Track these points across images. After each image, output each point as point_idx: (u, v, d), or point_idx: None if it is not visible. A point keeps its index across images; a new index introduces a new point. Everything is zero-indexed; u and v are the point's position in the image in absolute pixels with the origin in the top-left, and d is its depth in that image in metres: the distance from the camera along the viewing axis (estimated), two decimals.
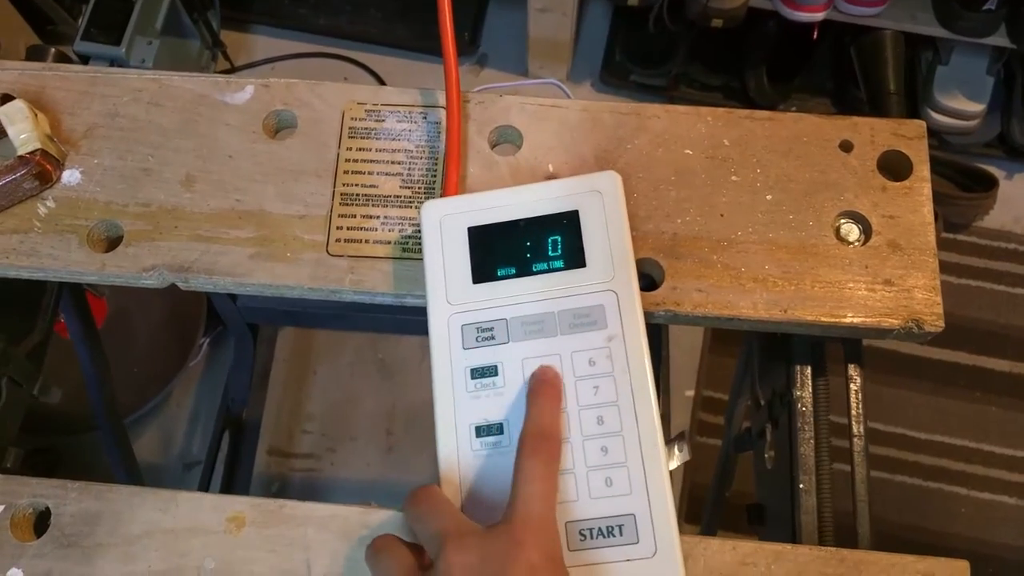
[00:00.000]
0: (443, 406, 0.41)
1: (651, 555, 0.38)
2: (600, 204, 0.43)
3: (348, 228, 0.47)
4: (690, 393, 1.18)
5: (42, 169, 0.47)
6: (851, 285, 0.45)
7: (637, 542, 0.38)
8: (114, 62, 1.09)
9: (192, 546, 0.42)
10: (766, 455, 0.58)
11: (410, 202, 0.48)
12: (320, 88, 0.51)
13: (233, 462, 1.05)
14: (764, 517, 0.60)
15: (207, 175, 0.49)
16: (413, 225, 0.47)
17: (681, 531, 0.39)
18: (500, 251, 0.43)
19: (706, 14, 1.14)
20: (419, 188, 0.49)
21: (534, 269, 0.42)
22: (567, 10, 1.22)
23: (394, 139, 0.50)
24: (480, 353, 0.41)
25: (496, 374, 0.41)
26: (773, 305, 0.45)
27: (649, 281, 0.46)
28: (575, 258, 0.42)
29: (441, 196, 0.47)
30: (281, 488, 1.16)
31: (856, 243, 0.47)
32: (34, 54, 0.64)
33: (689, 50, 1.31)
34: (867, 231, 0.47)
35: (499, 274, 0.42)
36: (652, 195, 0.48)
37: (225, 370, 1.13)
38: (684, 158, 0.48)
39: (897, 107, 1.20)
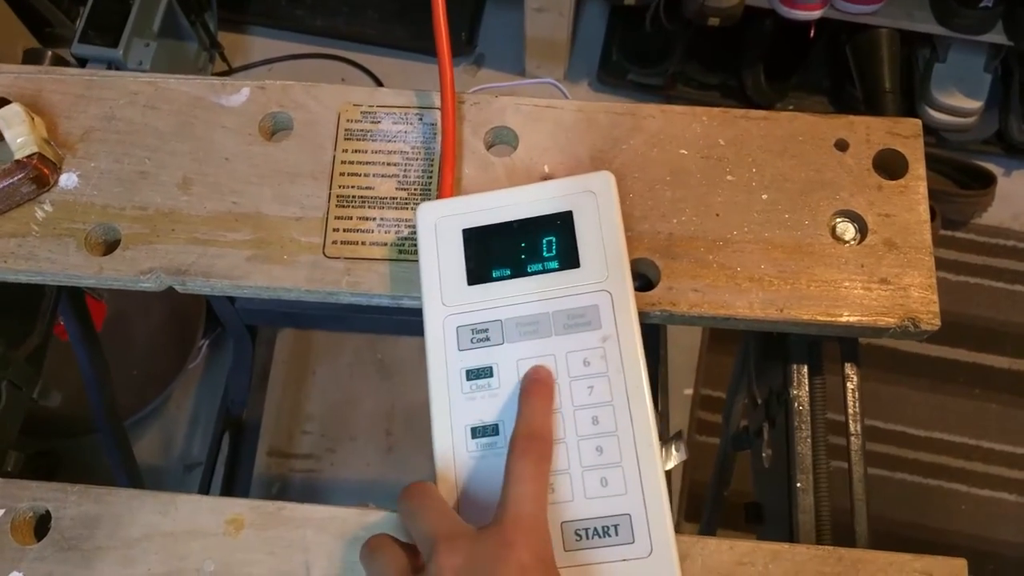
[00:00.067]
0: (439, 407, 0.41)
1: (647, 555, 0.38)
2: (594, 204, 0.43)
3: (344, 230, 0.47)
4: (689, 391, 1.19)
5: (39, 173, 0.47)
6: (847, 284, 0.45)
7: (633, 542, 0.38)
8: (111, 64, 1.09)
9: (191, 549, 0.43)
10: (763, 454, 0.58)
11: (406, 204, 0.48)
12: (316, 90, 0.51)
13: (233, 463, 1.05)
14: (762, 516, 0.61)
15: (203, 178, 0.49)
16: (409, 227, 0.47)
17: (681, 529, 0.39)
18: (495, 252, 0.43)
19: (703, 13, 1.14)
20: (415, 189, 0.49)
21: (528, 270, 0.42)
22: (563, 10, 1.22)
23: (390, 141, 0.50)
24: (475, 354, 0.41)
25: (491, 375, 0.41)
26: (769, 304, 0.45)
27: (645, 281, 0.46)
28: (569, 259, 0.42)
29: (437, 198, 0.47)
30: (281, 489, 1.16)
31: (852, 242, 0.47)
32: (31, 57, 0.64)
33: (686, 49, 1.31)
34: (863, 230, 0.47)
35: (494, 275, 0.43)
36: (648, 195, 0.48)
37: (225, 372, 1.13)
38: (679, 158, 0.48)
39: (893, 105, 1.20)
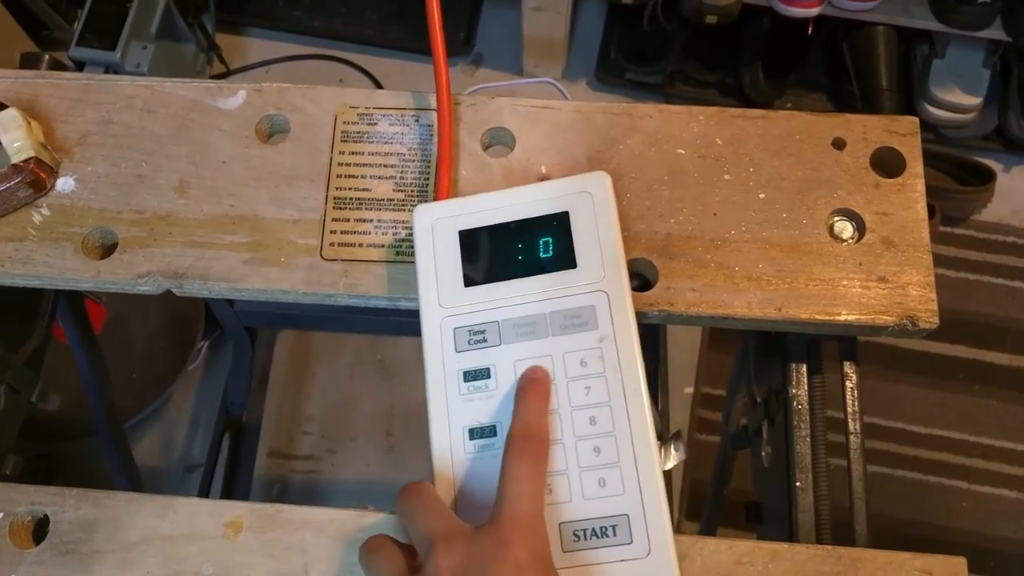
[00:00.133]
0: (436, 409, 0.41)
1: (645, 555, 0.38)
2: (590, 205, 0.43)
3: (342, 232, 0.47)
4: (689, 390, 1.18)
5: (36, 177, 0.47)
6: (845, 283, 0.45)
7: (631, 542, 0.38)
8: (109, 67, 1.09)
9: (190, 552, 0.43)
10: (763, 453, 0.58)
11: (403, 205, 0.48)
12: (312, 92, 0.51)
13: (234, 465, 1.05)
14: (762, 515, 0.60)
15: (200, 181, 0.49)
16: (407, 228, 0.47)
17: (682, 528, 0.39)
18: (491, 254, 0.43)
19: (700, 11, 1.14)
20: (412, 191, 0.49)
21: (525, 271, 0.42)
22: (561, 8, 1.22)
23: (387, 142, 0.50)
24: (472, 356, 0.41)
25: (489, 376, 0.41)
26: (767, 304, 0.45)
27: (643, 281, 0.46)
28: (566, 259, 0.42)
29: (433, 199, 0.47)
30: (282, 490, 1.16)
31: (850, 240, 0.47)
32: (28, 61, 0.64)
33: (684, 47, 1.31)
34: (861, 228, 0.47)
35: (490, 277, 0.43)
36: (645, 195, 0.48)
37: (224, 373, 1.13)
38: (677, 158, 0.48)
39: (890, 103, 1.19)
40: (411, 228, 0.45)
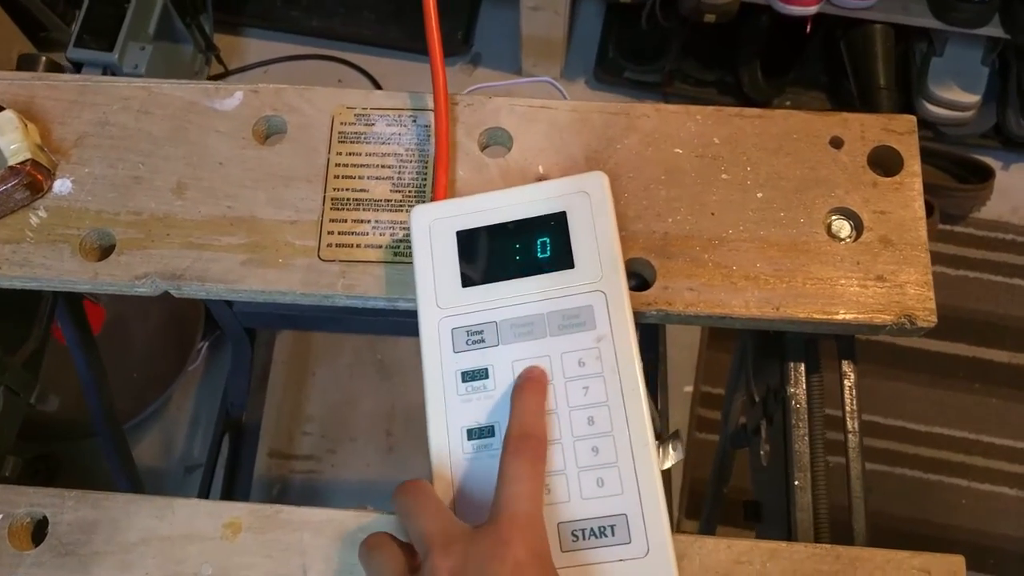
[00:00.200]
0: (435, 409, 0.41)
1: (643, 555, 0.38)
2: (587, 205, 0.43)
3: (339, 233, 0.47)
4: (689, 389, 1.19)
5: (33, 179, 0.47)
6: (843, 282, 0.45)
7: (629, 542, 0.38)
8: (107, 68, 1.09)
9: (189, 553, 0.43)
10: (761, 451, 0.58)
11: (401, 206, 0.48)
12: (309, 93, 0.51)
13: (234, 465, 1.05)
14: (761, 514, 0.61)
15: (198, 182, 0.49)
16: (404, 229, 0.47)
17: (681, 527, 0.39)
18: (488, 254, 0.43)
19: (699, 9, 1.14)
20: (409, 191, 0.49)
21: (523, 271, 0.42)
22: (559, 8, 1.22)
23: (384, 143, 0.50)
24: (470, 356, 0.41)
25: (487, 377, 0.41)
26: (765, 303, 0.45)
27: (640, 281, 0.46)
28: (563, 259, 0.42)
29: (431, 200, 0.47)
30: (282, 490, 1.17)
31: (847, 239, 0.47)
32: (25, 63, 0.64)
33: (682, 46, 1.31)
34: (858, 227, 0.47)
35: (488, 277, 0.43)
36: (642, 195, 0.48)
37: (224, 374, 1.13)
38: (674, 157, 0.48)
39: (888, 102, 1.19)
40: (409, 229, 0.45)
